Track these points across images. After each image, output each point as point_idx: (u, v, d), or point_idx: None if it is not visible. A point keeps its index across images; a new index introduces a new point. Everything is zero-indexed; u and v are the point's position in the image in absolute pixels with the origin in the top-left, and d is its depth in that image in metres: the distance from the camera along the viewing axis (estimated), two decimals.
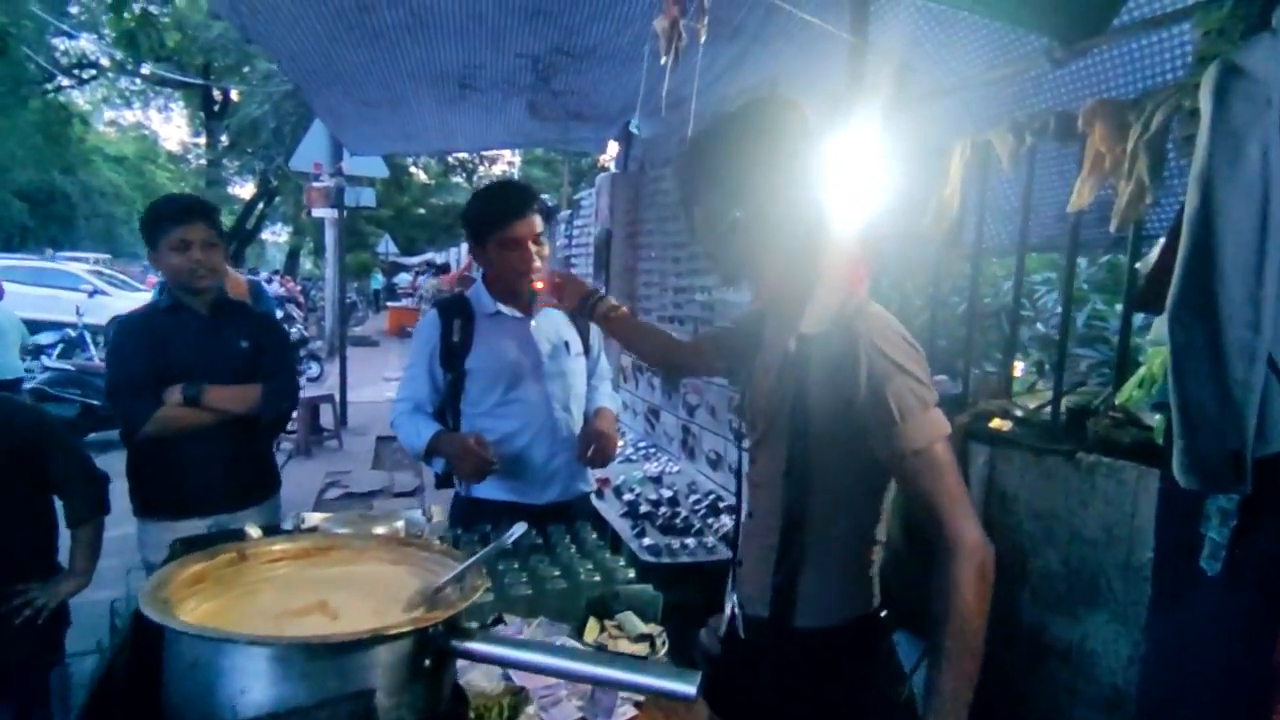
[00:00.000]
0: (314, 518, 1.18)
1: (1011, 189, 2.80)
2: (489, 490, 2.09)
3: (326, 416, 7.32)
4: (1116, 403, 1.81)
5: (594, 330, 2.30)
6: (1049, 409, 2.19)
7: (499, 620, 1.34)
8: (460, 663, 1.07)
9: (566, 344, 2.18)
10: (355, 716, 0.67)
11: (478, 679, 1.16)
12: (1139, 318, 2.00)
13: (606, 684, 0.69)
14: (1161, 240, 1.75)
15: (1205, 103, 1.34)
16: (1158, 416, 1.67)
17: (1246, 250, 1.28)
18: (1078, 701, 1.93)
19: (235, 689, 0.66)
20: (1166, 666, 1.66)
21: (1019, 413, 2.22)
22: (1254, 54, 1.32)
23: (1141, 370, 1.76)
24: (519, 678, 1.19)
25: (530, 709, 1.03)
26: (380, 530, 1.02)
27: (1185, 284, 1.34)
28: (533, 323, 2.13)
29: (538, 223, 2.02)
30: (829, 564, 1.27)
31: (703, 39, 1.90)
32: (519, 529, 0.92)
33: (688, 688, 0.69)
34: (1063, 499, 1.95)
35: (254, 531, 0.92)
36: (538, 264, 2.04)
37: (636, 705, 1.22)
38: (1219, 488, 1.40)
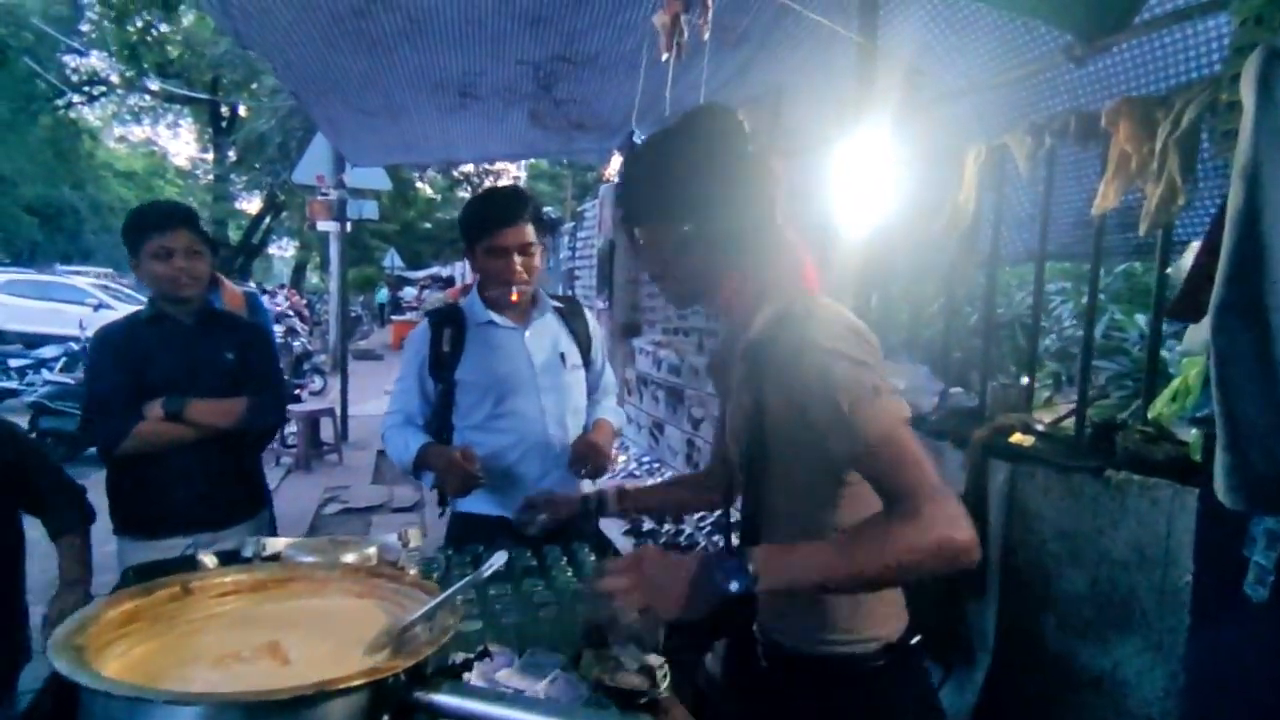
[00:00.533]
0: (277, 544, 1.08)
1: (1026, 196, 2.70)
2: (482, 506, 1.99)
3: (327, 430, 7.22)
4: (1150, 416, 1.70)
5: (596, 342, 2.20)
6: (1072, 423, 2.08)
7: (485, 653, 1.23)
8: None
9: (563, 356, 2.08)
10: None
11: None
12: (1165, 327, 1.89)
13: None
14: (1195, 244, 1.65)
15: (1248, 93, 1.25)
16: (1194, 431, 1.56)
17: None
18: None
19: None
20: (1208, 699, 1.54)
21: (1040, 427, 2.11)
22: None
23: (1175, 382, 1.65)
24: None
25: None
26: (350, 558, 0.92)
27: (1230, 288, 1.24)
28: (526, 333, 2.04)
29: (527, 232, 1.94)
30: None
31: (706, 36, 1.81)
32: (499, 559, 0.82)
33: None
34: (1090, 518, 1.84)
35: (209, 561, 0.82)
36: (523, 274, 1.96)
37: None
38: (1267, 508, 1.29)
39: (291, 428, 6.84)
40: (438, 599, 0.74)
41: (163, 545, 1.98)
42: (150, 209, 2.16)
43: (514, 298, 1.97)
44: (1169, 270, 1.81)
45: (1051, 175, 2.26)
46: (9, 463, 1.93)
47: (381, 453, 7.40)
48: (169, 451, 2.06)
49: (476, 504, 1.99)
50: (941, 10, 2.62)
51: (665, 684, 1.31)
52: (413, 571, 0.92)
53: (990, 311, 2.61)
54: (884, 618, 1.19)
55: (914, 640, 1.19)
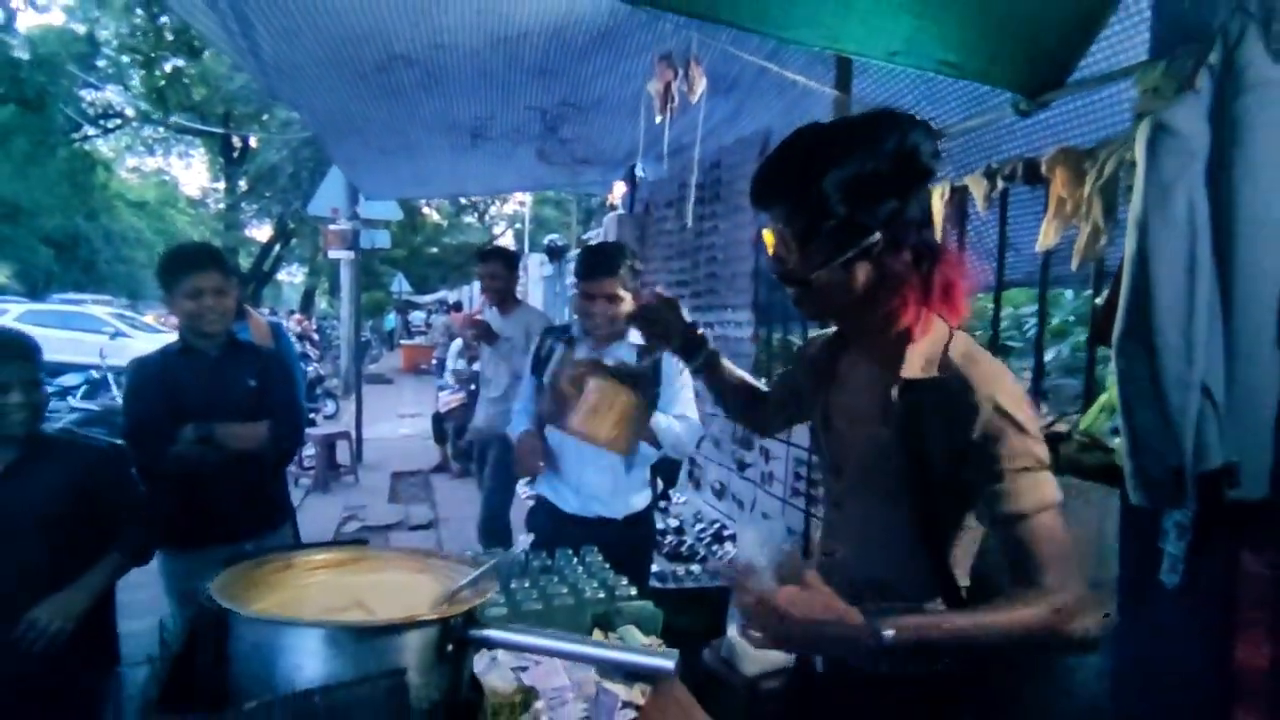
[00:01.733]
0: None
1: (991, 229, 2.96)
2: (548, 493, 2.46)
3: (343, 453, 7.46)
4: (1082, 427, 1.94)
5: (667, 386, 2.37)
6: None
7: None
8: (478, 665, 1.21)
9: None
10: (390, 691, 0.81)
11: (493, 680, 1.30)
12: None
13: (595, 661, 0.83)
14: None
15: (1139, 156, 1.50)
16: (1117, 440, 1.79)
17: (1178, 289, 1.43)
18: (1060, 717, 2.02)
19: (292, 666, 0.80)
20: (1134, 679, 1.76)
21: None
22: (1180, 112, 1.49)
23: (1103, 397, 1.89)
24: (529, 679, 1.32)
25: (539, 703, 1.15)
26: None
27: (1127, 319, 1.48)
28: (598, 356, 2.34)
29: (609, 285, 2.30)
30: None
31: (694, 100, 2.08)
32: (524, 541, 1.07)
33: (666, 664, 0.83)
34: None
35: None
36: (598, 318, 2.34)
37: (636, 708, 1.35)
38: (1164, 503, 1.52)
39: (309, 450, 7.09)
40: (479, 570, 0.98)
41: (199, 556, 2.20)
42: (183, 252, 2.40)
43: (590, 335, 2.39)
44: (1098, 300, 2.05)
45: (1005, 214, 2.51)
46: (96, 494, 2.00)
47: (396, 473, 7.64)
48: (205, 471, 2.27)
49: (545, 491, 2.47)
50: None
51: None
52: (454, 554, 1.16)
53: None
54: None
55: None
